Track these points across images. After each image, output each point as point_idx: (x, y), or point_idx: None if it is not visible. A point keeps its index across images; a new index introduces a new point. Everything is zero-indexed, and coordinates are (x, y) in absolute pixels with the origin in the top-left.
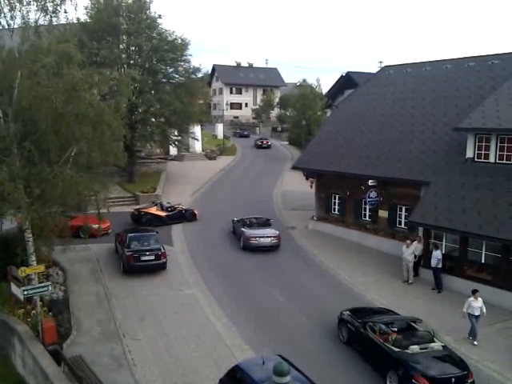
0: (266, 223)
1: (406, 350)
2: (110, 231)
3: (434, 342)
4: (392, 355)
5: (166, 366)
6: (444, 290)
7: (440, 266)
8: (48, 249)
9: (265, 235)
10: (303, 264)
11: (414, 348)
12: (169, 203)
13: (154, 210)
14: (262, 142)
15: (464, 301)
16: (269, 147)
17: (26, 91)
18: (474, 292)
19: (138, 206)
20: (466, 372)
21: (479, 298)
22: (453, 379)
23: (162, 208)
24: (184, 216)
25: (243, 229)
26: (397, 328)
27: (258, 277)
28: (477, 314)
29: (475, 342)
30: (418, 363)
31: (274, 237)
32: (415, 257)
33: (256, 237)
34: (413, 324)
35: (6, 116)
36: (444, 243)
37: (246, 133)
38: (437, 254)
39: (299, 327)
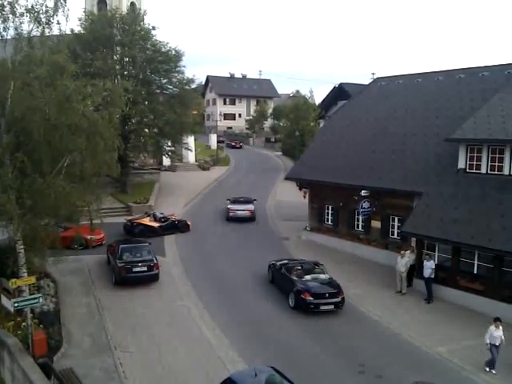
0: (249, 201)
1: (302, 279)
2: (104, 242)
3: (323, 274)
4: (293, 282)
5: (157, 379)
6: (437, 300)
7: (432, 276)
8: (41, 260)
9: (242, 209)
10: None
11: (307, 277)
12: (162, 214)
13: (146, 221)
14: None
15: (456, 311)
16: (240, 147)
17: (19, 102)
18: (496, 320)
19: (130, 217)
20: (337, 291)
21: (500, 327)
22: (327, 294)
23: (155, 219)
24: (177, 227)
25: (228, 206)
26: (301, 267)
27: (252, 288)
28: (498, 343)
29: (494, 371)
30: (306, 285)
31: (248, 210)
32: (410, 266)
33: (234, 210)
34: (315, 266)
35: None
36: (436, 253)
37: (238, 145)
38: (429, 265)
39: (291, 338)
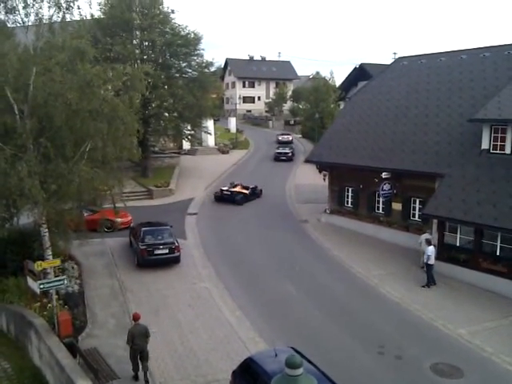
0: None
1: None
2: (131, 225)
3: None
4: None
5: (179, 359)
6: (458, 282)
7: (431, 262)
8: (65, 243)
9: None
10: (316, 257)
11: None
12: (233, 183)
13: (240, 189)
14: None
15: (478, 293)
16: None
17: (41, 88)
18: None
19: (221, 187)
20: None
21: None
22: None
23: (243, 187)
24: (256, 193)
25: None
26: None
27: (272, 270)
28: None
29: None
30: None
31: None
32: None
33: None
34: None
35: (21, 113)
36: (458, 235)
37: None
38: (427, 250)
39: (311, 320)
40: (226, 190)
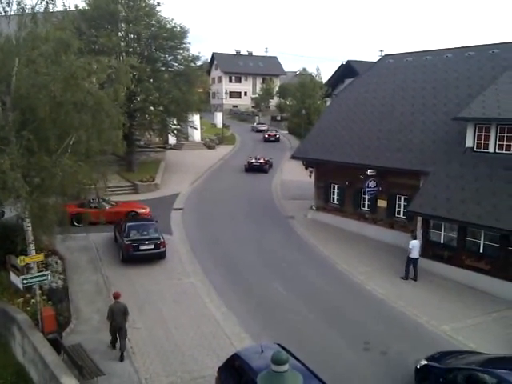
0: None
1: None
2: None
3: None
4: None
5: (165, 355)
6: (442, 279)
7: (412, 255)
8: (49, 238)
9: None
10: (303, 253)
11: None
12: (256, 157)
13: (264, 160)
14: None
15: (461, 289)
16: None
17: (24, 79)
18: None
19: (248, 160)
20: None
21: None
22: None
23: (264, 159)
24: (271, 164)
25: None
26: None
27: (258, 266)
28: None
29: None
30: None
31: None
32: None
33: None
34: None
35: (4, 105)
36: (442, 233)
37: (262, 127)
38: (409, 244)
39: (297, 316)
40: (255, 162)
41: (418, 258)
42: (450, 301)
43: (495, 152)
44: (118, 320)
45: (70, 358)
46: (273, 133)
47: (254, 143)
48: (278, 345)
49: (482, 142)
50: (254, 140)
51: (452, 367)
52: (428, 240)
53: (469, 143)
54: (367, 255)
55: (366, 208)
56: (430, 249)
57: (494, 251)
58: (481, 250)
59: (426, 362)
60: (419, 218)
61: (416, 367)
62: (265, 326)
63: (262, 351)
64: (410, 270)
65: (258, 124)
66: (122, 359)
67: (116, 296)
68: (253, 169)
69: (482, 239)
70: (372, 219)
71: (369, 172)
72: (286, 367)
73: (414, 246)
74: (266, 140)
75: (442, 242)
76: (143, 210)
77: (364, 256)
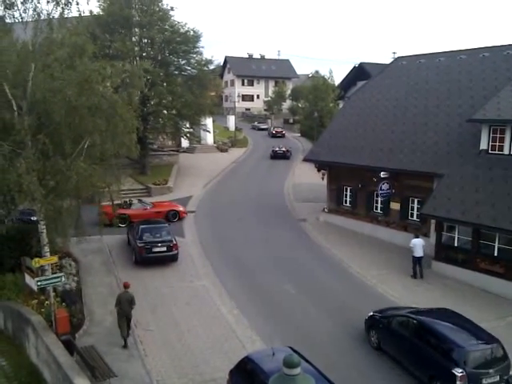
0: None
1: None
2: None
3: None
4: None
5: (177, 357)
6: (456, 282)
7: (415, 254)
8: (63, 240)
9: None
10: (315, 256)
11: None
12: (279, 146)
13: (286, 149)
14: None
15: (475, 293)
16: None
17: (40, 84)
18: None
19: (273, 149)
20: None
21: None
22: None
23: (286, 148)
24: (291, 152)
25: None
26: None
27: (270, 268)
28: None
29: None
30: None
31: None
32: None
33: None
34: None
35: (20, 109)
36: (456, 235)
37: (263, 126)
38: (411, 242)
39: (309, 319)
40: (279, 150)
41: (421, 257)
42: (463, 304)
43: (510, 154)
44: (124, 308)
45: (82, 359)
46: (279, 129)
47: (266, 146)
48: (290, 348)
49: (497, 143)
50: (267, 143)
51: (387, 315)
52: (442, 243)
53: (483, 145)
54: (380, 258)
55: (378, 210)
56: (443, 252)
57: (508, 254)
58: (495, 253)
59: (371, 313)
60: (433, 221)
61: (365, 318)
62: (276, 328)
63: (274, 354)
64: (418, 268)
65: (258, 123)
66: (125, 345)
67: (126, 286)
68: (277, 156)
69: (497, 242)
70: (385, 222)
71: (382, 174)
72: (297, 370)
73: (416, 244)
74: (274, 136)
75: (456, 244)
76: (182, 209)
77: (376, 259)
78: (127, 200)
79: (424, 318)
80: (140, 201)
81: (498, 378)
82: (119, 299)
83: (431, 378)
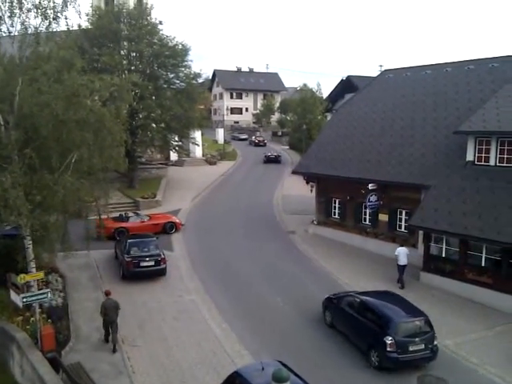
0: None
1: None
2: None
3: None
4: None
5: (165, 373)
6: (444, 293)
7: (399, 262)
8: (50, 256)
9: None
10: (304, 269)
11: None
12: (271, 152)
13: (277, 154)
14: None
15: (463, 303)
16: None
17: (27, 98)
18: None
19: (265, 154)
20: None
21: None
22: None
23: (276, 153)
24: (281, 158)
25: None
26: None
27: (259, 282)
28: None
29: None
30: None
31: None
32: None
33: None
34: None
35: (7, 123)
36: (444, 246)
37: (243, 136)
38: (396, 251)
39: (298, 332)
40: (271, 155)
41: (405, 265)
42: (452, 315)
43: (496, 165)
44: (110, 314)
45: (69, 377)
46: (261, 138)
47: (255, 159)
48: (279, 362)
49: (483, 155)
50: (256, 156)
51: (338, 296)
52: (429, 254)
53: (469, 156)
54: (369, 269)
55: (367, 222)
56: (431, 262)
57: (496, 265)
58: (483, 264)
59: (327, 296)
60: (420, 232)
61: (322, 301)
62: (265, 342)
63: (263, 368)
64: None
65: (238, 133)
66: (114, 351)
67: (107, 293)
68: (270, 160)
69: (484, 252)
70: (373, 233)
71: (370, 186)
72: None
73: (400, 252)
74: (256, 145)
75: (443, 255)
76: (178, 220)
77: (366, 270)
78: (123, 213)
79: (366, 297)
80: (137, 214)
81: (423, 346)
82: (104, 307)
83: (369, 347)
